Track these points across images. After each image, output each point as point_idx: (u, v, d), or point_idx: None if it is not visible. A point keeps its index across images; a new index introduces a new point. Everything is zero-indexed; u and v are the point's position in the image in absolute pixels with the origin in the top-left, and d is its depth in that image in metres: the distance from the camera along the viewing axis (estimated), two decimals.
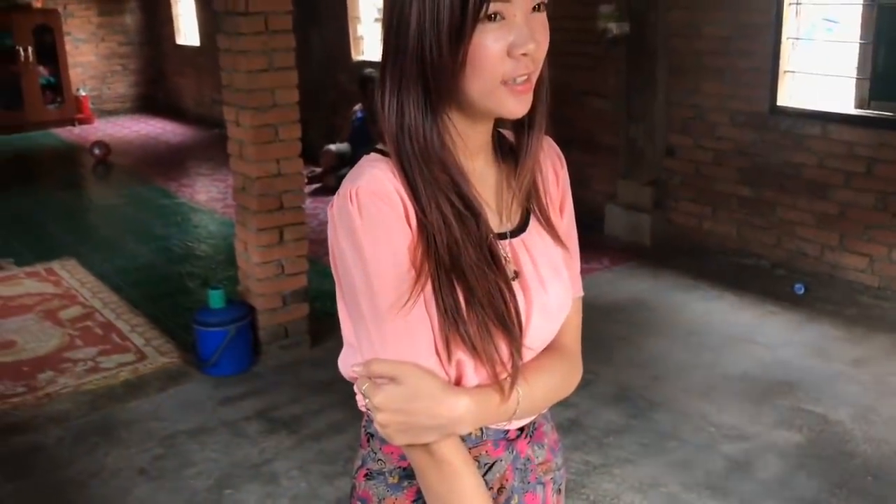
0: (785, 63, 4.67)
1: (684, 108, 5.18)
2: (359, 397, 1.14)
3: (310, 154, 7.12)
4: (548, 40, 1.04)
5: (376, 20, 8.08)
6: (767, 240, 4.89)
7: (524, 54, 1.00)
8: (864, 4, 4.38)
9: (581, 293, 1.27)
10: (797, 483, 2.92)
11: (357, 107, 7.27)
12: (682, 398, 3.50)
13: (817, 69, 4.71)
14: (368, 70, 7.02)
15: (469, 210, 1.05)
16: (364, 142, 7.15)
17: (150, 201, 7.07)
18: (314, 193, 6.86)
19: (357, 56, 7.84)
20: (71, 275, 5.13)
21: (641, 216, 5.37)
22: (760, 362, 3.81)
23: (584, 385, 3.63)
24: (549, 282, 1.15)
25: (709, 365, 3.80)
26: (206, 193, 7.26)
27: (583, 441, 3.21)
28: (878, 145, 4.30)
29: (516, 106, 1.04)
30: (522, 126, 1.12)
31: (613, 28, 5.13)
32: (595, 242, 5.31)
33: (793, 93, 4.71)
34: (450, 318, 1.03)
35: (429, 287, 1.03)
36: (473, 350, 1.04)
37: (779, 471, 3.00)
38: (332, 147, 7.15)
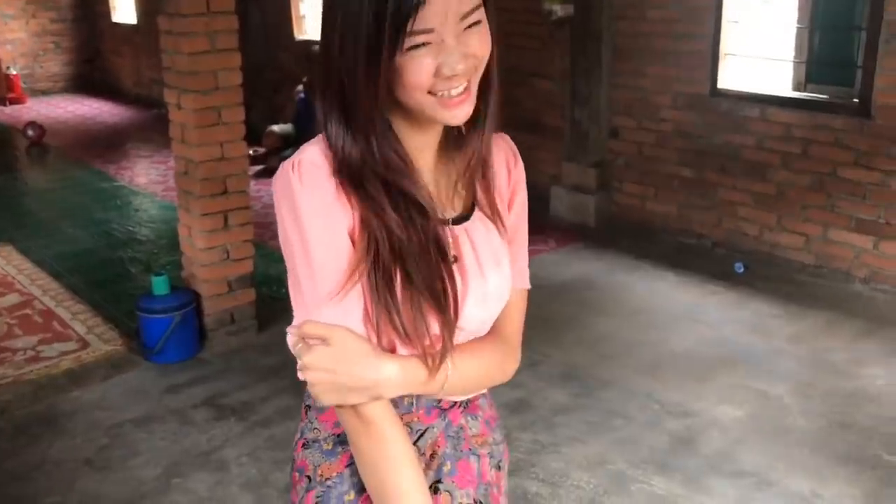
0: (725, 46, 4.75)
1: (628, 90, 5.24)
2: (299, 365, 1.18)
3: (252, 135, 7.03)
4: (488, 49, 1.06)
5: None
6: (708, 220, 4.99)
7: (453, 75, 1.03)
8: None
9: (527, 286, 1.30)
10: (739, 457, 3.01)
11: (300, 87, 7.18)
12: (629, 376, 3.57)
13: (756, 52, 4.81)
14: (316, 48, 6.95)
15: (413, 203, 1.10)
16: (308, 122, 7.08)
17: (87, 185, 6.89)
18: (257, 175, 6.75)
19: (299, 35, 7.74)
20: (7, 261, 4.98)
21: (586, 197, 5.43)
22: (703, 340, 3.91)
23: (532, 365, 3.70)
24: (488, 269, 1.19)
25: (654, 343, 3.88)
26: (145, 176, 7.10)
27: (532, 421, 3.26)
28: (814, 127, 4.42)
29: (453, 116, 1.07)
30: (472, 123, 1.15)
31: (558, 10, 5.15)
32: (540, 224, 5.36)
33: (733, 76, 4.80)
34: (382, 301, 1.08)
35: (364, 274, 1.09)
36: (403, 330, 1.09)
37: (721, 446, 3.09)
38: (276, 128, 7.05)
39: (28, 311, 4.30)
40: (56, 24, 11.03)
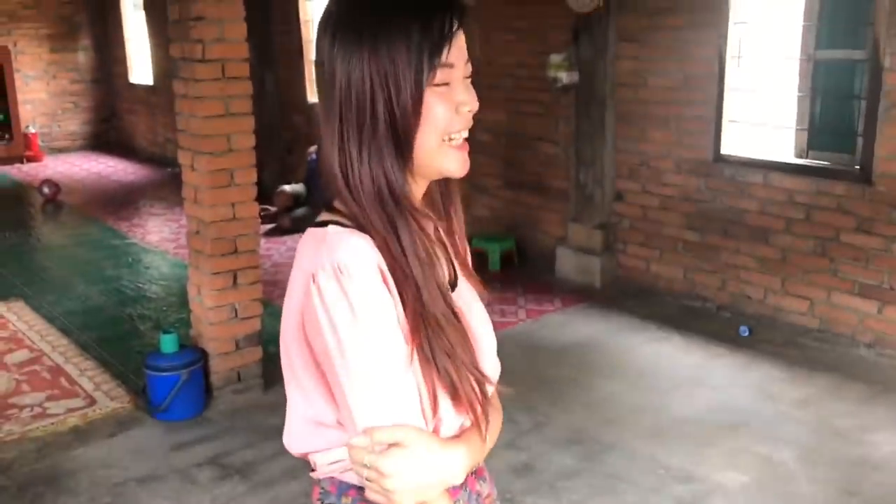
0: (728, 113, 4.85)
1: (632, 154, 5.33)
2: (339, 474, 1.20)
3: (264, 194, 7.15)
4: (477, 105, 1.16)
5: None
6: (713, 283, 5.02)
7: (468, 110, 1.14)
8: (801, 59, 4.59)
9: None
10: None
11: (312, 148, 7.31)
12: (633, 440, 3.57)
13: (759, 119, 4.90)
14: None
15: (431, 262, 1.14)
16: (319, 182, 7.18)
17: (100, 241, 6.98)
18: (268, 234, 6.85)
19: (312, 98, 7.90)
20: (18, 317, 5.04)
21: (591, 259, 5.48)
22: (708, 404, 3.90)
23: (537, 427, 3.70)
24: (482, 331, 1.26)
25: (658, 407, 3.88)
26: (157, 234, 7.19)
27: (536, 485, 3.25)
28: (816, 193, 4.48)
29: (459, 165, 1.16)
30: (443, 186, 1.25)
31: (563, 77, 5.27)
32: (546, 284, 5.40)
33: (736, 142, 4.88)
34: (440, 372, 1.11)
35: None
36: (457, 397, 1.12)
37: None
38: (287, 188, 7.17)
39: (37, 367, 4.34)
40: (75, 85, 11.30)
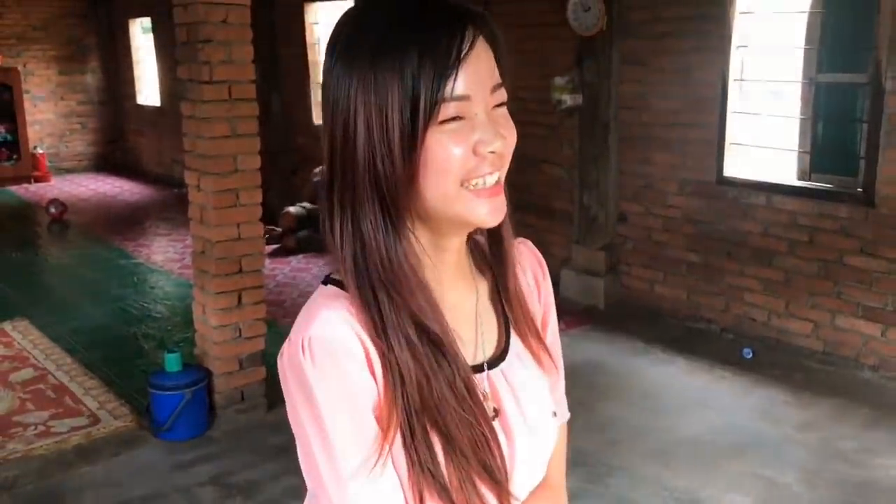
0: (731, 135, 4.87)
1: (635, 176, 5.35)
2: None
3: (270, 215, 7.18)
4: (515, 136, 0.95)
5: None
6: (716, 305, 5.03)
7: (492, 151, 0.91)
8: (802, 82, 4.62)
9: (567, 416, 1.16)
10: None
11: (318, 169, 7.36)
12: (638, 462, 3.56)
13: (762, 142, 4.92)
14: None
15: (440, 343, 0.92)
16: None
17: (106, 261, 7.02)
18: (273, 254, 6.88)
19: (318, 120, 7.95)
20: (23, 336, 5.06)
21: (595, 280, 5.49)
22: (712, 426, 3.89)
23: None
24: (534, 419, 1.02)
25: (663, 429, 3.87)
26: (163, 254, 7.23)
27: None
28: (819, 215, 4.49)
29: (489, 213, 0.93)
30: (492, 236, 1.03)
31: (567, 99, 5.31)
32: None
33: (739, 164, 4.90)
34: (425, 473, 0.90)
35: (398, 441, 0.91)
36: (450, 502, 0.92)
37: None
38: (292, 209, 7.20)
39: (41, 385, 4.35)
40: (83, 106, 11.41)
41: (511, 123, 0.95)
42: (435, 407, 0.91)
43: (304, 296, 5.88)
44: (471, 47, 0.89)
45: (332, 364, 0.89)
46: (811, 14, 4.51)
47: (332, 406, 0.89)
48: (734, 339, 4.86)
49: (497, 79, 0.93)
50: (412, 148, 0.88)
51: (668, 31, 5.00)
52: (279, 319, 5.24)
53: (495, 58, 0.93)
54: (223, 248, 3.74)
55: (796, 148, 4.71)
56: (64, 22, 11.09)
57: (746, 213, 4.80)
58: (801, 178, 4.67)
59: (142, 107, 11.07)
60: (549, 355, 1.08)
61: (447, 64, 0.87)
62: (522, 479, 1.01)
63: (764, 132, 4.99)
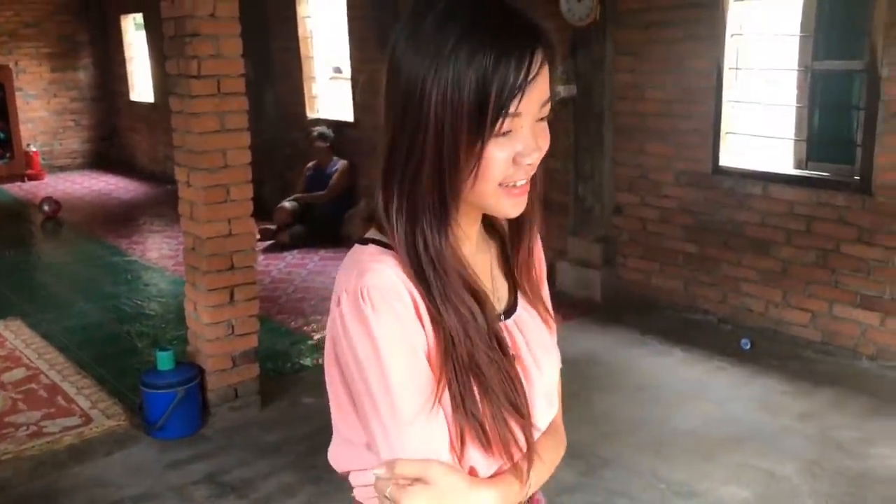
0: (726, 125, 4.83)
1: (631, 167, 5.31)
2: (369, 501, 1.09)
3: (264, 211, 7.15)
4: (548, 144, 1.05)
5: (331, 79, 8.18)
6: (714, 295, 4.99)
7: (528, 163, 1.01)
8: (798, 70, 4.58)
9: (560, 362, 1.27)
10: None
11: (310, 164, 7.32)
12: (633, 455, 3.53)
13: (757, 131, 4.89)
14: (314, 127, 7.20)
15: (478, 303, 1.05)
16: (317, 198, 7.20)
17: (100, 259, 6.98)
18: (267, 250, 6.84)
19: (312, 114, 7.92)
20: (15, 335, 5.02)
21: (591, 272, 5.46)
22: (709, 417, 3.86)
23: None
24: (543, 362, 1.16)
25: (659, 421, 3.84)
26: (157, 251, 7.19)
27: None
28: (816, 204, 4.45)
29: (514, 208, 1.05)
30: (518, 218, 1.13)
31: (561, 90, 5.27)
32: None
33: (735, 154, 4.87)
34: (468, 415, 1.02)
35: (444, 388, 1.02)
36: (487, 442, 1.03)
37: None
38: (286, 204, 7.16)
39: (33, 385, 4.32)
40: (76, 103, 11.35)
41: (548, 133, 1.04)
42: (475, 357, 1.02)
43: (300, 291, 5.88)
44: (538, 71, 0.97)
45: (390, 309, 0.99)
46: (806, 1, 4.47)
47: (394, 350, 0.99)
48: (732, 330, 4.83)
49: (547, 95, 1.01)
50: (475, 150, 0.98)
51: (661, 19, 4.96)
52: (273, 316, 5.21)
53: (549, 74, 1.01)
54: (214, 244, 3.70)
55: (792, 136, 4.67)
56: (56, 19, 11.02)
57: (743, 203, 4.77)
58: (797, 166, 4.63)
59: (135, 103, 11.01)
60: (548, 310, 1.21)
61: (515, 84, 0.95)
62: (541, 412, 1.14)
63: (760, 121, 4.95)
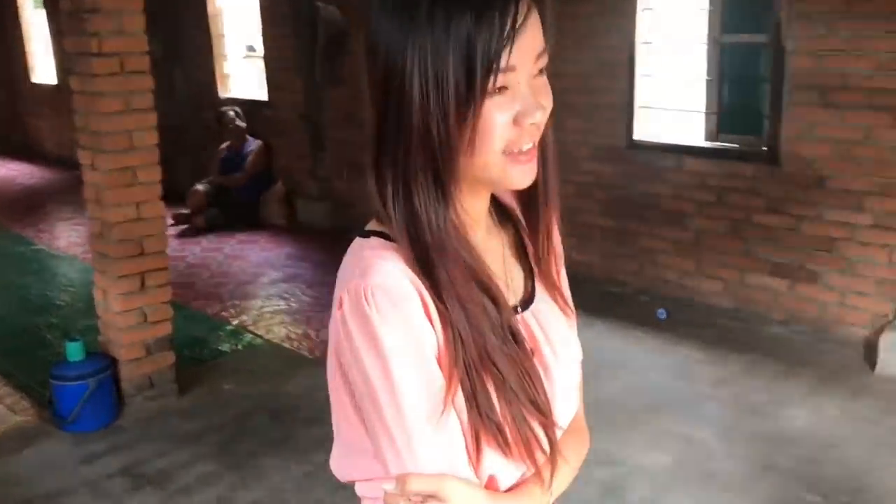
0: (640, 99, 4.90)
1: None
2: None
3: (178, 194, 6.94)
4: (552, 103, 0.96)
5: (245, 57, 7.98)
6: (631, 268, 5.08)
7: (532, 123, 0.92)
8: (708, 44, 4.67)
9: (582, 355, 1.19)
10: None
11: (224, 145, 7.14)
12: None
13: (671, 105, 4.97)
14: (223, 107, 7.02)
15: (488, 294, 0.96)
16: (233, 180, 7.03)
17: (4, 248, 6.66)
18: (182, 235, 6.66)
19: (224, 93, 7.70)
20: None
21: None
22: (629, 387, 3.94)
23: None
24: (563, 355, 1.08)
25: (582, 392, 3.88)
26: (65, 239, 6.91)
27: None
28: (728, 175, 4.56)
29: (522, 177, 0.95)
30: (530, 196, 1.05)
31: None
32: None
33: (649, 128, 4.94)
34: (483, 417, 0.93)
35: (458, 391, 0.93)
36: (506, 445, 0.94)
37: (648, 494, 3.10)
38: (200, 186, 6.97)
39: None
40: None
41: (549, 90, 0.95)
42: (488, 353, 0.94)
43: (217, 276, 5.74)
44: (525, 18, 0.88)
45: (397, 312, 0.90)
46: None
47: (401, 354, 0.90)
48: (649, 301, 4.93)
49: (541, 44, 0.92)
50: (467, 117, 0.88)
51: None
52: (190, 302, 5.08)
53: (541, 21, 0.92)
54: (122, 229, 3.56)
55: (703, 109, 4.77)
56: None
57: (657, 176, 4.85)
58: (708, 139, 4.74)
59: (37, 86, 10.52)
60: (566, 301, 1.13)
61: (502, 35, 0.86)
62: (562, 410, 1.06)
63: (673, 95, 5.04)
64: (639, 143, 4.90)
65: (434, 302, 0.92)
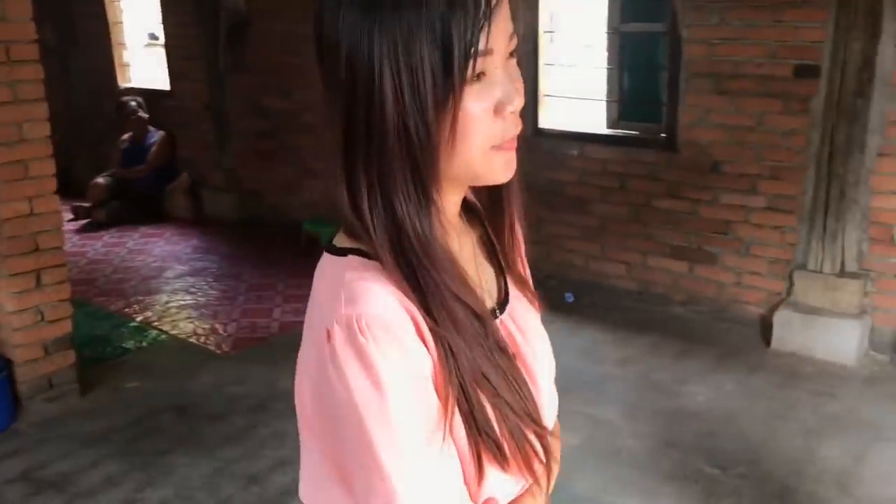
0: (544, 88, 4.98)
1: None
2: None
3: (78, 188, 6.70)
4: (523, 86, 0.90)
5: (147, 45, 7.74)
6: (539, 253, 5.17)
7: (512, 111, 0.86)
8: (608, 33, 4.77)
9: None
10: (575, 483, 3.09)
11: (126, 136, 6.92)
12: None
13: (574, 93, 5.07)
14: (124, 97, 6.81)
15: (471, 305, 0.89)
16: (135, 172, 6.82)
17: None
18: (82, 230, 6.44)
19: (124, 83, 7.46)
20: None
21: None
22: None
23: None
24: (542, 354, 1.04)
25: None
26: None
27: None
28: (629, 162, 4.69)
29: (505, 169, 0.90)
30: (492, 189, 0.99)
31: None
32: None
33: (553, 116, 5.03)
34: (482, 435, 0.88)
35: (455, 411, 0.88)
36: (504, 459, 0.89)
37: (558, 472, 3.17)
38: (101, 179, 6.74)
39: None
40: None
41: (519, 74, 0.89)
42: (479, 367, 0.88)
43: (119, 272, 5.56)
44: None
45: (393, 341, 0.82)
46: None
47: (400, 386, 0.82)
48: (557, 285, 5.03)
49: (511, 25, 0.86)
50: (446, 109, 0.81)
51: None
52: (92, 299, 4.91)
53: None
54: (14, 225, 3.41)
55: (605, 97, 4.88)
56: None
57: (562, 164, 4.94)
58: (611, 126, 4.86)
59: None
60: (534, 294, 1.08)
61: (477, 15, 0.80)
62: (548, 412, 1.02)
63: (576, 83, 5.14)
64: (543, 132, 4.98)
65: (424, 319, 0.85)
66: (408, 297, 0.85)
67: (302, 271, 5.33)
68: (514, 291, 1.03)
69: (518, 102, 0.87)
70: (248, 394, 3.81)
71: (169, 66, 6.95)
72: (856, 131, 3.86)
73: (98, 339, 4.40)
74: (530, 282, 1.10)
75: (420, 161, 0.83)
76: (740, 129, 4.26)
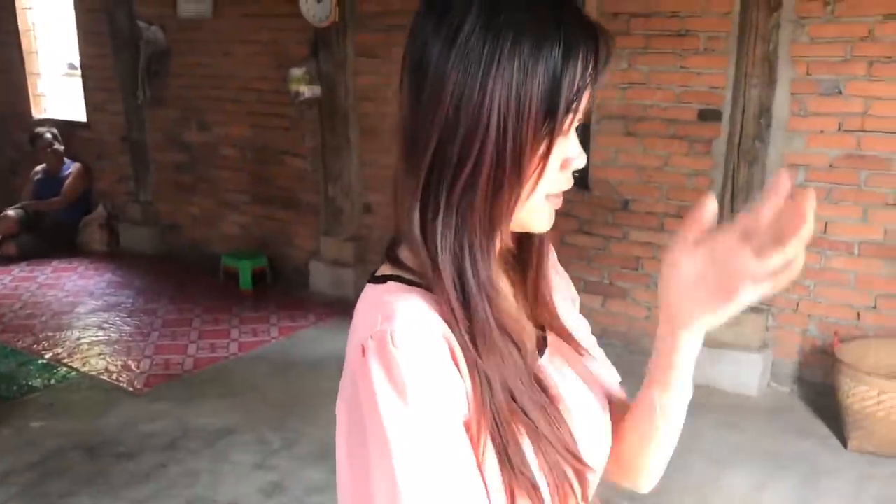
0: None
1: (378, 167, 5.42)
2: None
3: None
4: None
5: (66, 75, 7.59)
6: None
7: (574, 168, 0.91)
8: None
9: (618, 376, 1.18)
10: None
11: (39, 167, 6.76)
12: None
13: None
14: (38, 128, 6.68)
15: (513, 340, 0.90)
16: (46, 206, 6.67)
17: None
18: None
19: (38, 114, 7.29)
20: None
21: (345, 271, 5.51)
22: None
23: (287, 446, 3.63)
24: (584, 397, 1.03)
25: None
26: None
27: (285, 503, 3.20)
28: None
29: (549, 220, 0.94)
30: (523, 236, 1.00)
31: (305, 91, 5.27)
32: (300, 300, 5.34)
33: None
34: (517, 473, 0.85)
35: (488, 445, 0.86)
36: (538, 499, 0.87)
37: None
38: (11, 212, 6.55)
39: None
40: None
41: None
42: (517, 401, 0.87)
43: (28, 307, 5.40)
44: (605, 64, 0.85)
45: (425, 354, 0.82)
46: None
47: (429, 404, 0.82)
48: None
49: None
50: (538, 156, 0.84)
51: (398, 24, 5.10)
52: None
53: None
54: None
55: None
56: None
57: None
58: None
59: None
60: (576, 341, 1.07)
61: (585, 73, 0.83)
62: (596, 457, 1.00)
63: None
64: None
65: (462, 349, 0.85)
66: (449, 323, 0.85)
67: (219, 306, 5.27)
68: (553, 337, 1.04)
69: (582, 160, 0.91)
70: (159, 432, 3.74)
71: (86, 98, 6.84)
72: (755, 172, 4.07)
73: (3, 377, 4.26)
74: (580, 328, 1.13)
75: (503, 196, 0.85)
76: (648, 169, 4.43)
